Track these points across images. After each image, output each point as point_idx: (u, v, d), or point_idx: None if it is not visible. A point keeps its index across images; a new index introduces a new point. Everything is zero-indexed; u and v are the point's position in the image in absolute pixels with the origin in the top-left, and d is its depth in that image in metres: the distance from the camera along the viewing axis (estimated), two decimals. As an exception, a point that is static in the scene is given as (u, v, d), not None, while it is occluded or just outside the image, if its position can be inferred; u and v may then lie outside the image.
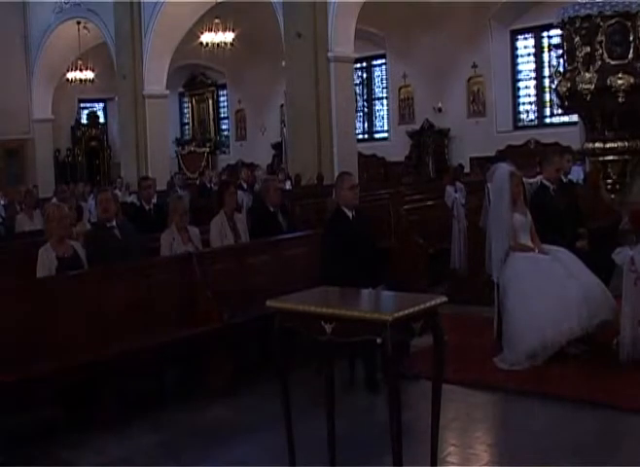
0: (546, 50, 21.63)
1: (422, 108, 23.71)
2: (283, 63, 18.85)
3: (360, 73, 25.64)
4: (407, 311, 4.48)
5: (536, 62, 22.10)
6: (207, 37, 20.51)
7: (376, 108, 26.22)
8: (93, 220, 10.09)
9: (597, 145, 7.16)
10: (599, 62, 6.76)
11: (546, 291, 7.18)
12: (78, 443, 5.93)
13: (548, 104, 21.78)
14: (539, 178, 8.55)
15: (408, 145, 23.97)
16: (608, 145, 7.09)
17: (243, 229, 8.83)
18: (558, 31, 7.64)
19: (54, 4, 25.48)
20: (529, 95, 22.40)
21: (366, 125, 26.24)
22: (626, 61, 6.71)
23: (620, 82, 6.64)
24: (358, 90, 25.05)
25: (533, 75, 22.25)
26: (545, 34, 21.48)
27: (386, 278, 7.07)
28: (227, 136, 30.85)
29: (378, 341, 4.42)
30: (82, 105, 30.58)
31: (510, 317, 7.25)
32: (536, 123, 22.24)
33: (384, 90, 25.71)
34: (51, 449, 5.85)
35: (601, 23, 6.72)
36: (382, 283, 6.82)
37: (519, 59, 22.49)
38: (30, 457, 5.70)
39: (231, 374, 7.08)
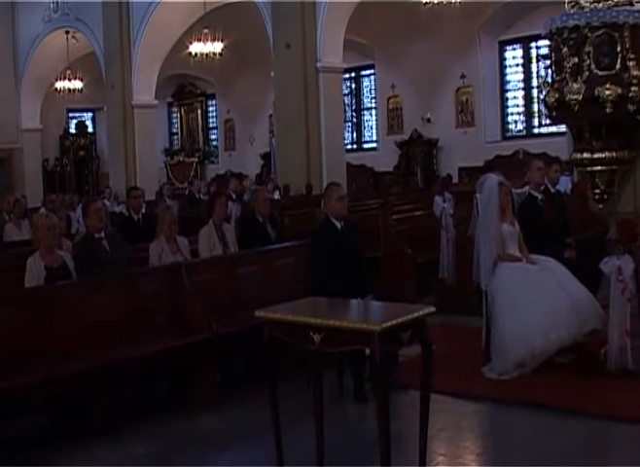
0: (534, 60, 21.73)
1: (411, 118, 23.77)
2: (272, 73, 18.89)
3: (349, 83, 25.69)
4: (395, 321, 4.49)
5: (524, 73, 22.20)
6: (196, 47, 20.52)
7: (365, 118, 26.27)
8: (81, 230, 10.04)
9: (585, 155, 7.20)
10: (587, 73, 6.81)
11: (534, 300, 7.18)
12: (69, 450, 5.91)
13: (536, 114, 21.85)
14: (527, 188, 8.56)
15: (396, 155, 24.02)
16: (596, 155, 7.14)
17: (232, 239, 8.81)
18: (546, 42, 7.69)
19: (43, 13, 25.50)
20: (517, 106, 22.50)
21: (354, 135, 26.29)
22: (614, 72, 6.77)
23: (607, 92, 6.69)
24: (347, 101, 25.08)
25: (521, 85, 22.35)
26: (533, 45, 21.57)
27: (374, 288, 7.08)
28: (215, 146, 30.82)
29: (367, 350, 4.43)
30: (70, 115, 30.61)
31: (498, 327, 7.25)
32: (524, 133, 22.31)
33: (373, 101, 25.78)
34: (42, 456, 5.82)
35: (589, 34, 6.78)
36: (371, 293, 6.83)
37: (508, 70, 22.59)
38: (22, 465, 5.70)
39: (220, 383, 7.08)
